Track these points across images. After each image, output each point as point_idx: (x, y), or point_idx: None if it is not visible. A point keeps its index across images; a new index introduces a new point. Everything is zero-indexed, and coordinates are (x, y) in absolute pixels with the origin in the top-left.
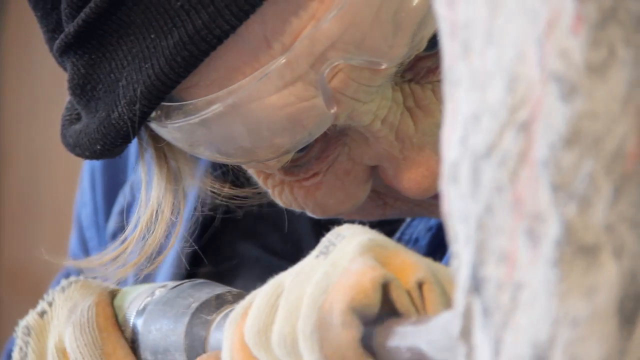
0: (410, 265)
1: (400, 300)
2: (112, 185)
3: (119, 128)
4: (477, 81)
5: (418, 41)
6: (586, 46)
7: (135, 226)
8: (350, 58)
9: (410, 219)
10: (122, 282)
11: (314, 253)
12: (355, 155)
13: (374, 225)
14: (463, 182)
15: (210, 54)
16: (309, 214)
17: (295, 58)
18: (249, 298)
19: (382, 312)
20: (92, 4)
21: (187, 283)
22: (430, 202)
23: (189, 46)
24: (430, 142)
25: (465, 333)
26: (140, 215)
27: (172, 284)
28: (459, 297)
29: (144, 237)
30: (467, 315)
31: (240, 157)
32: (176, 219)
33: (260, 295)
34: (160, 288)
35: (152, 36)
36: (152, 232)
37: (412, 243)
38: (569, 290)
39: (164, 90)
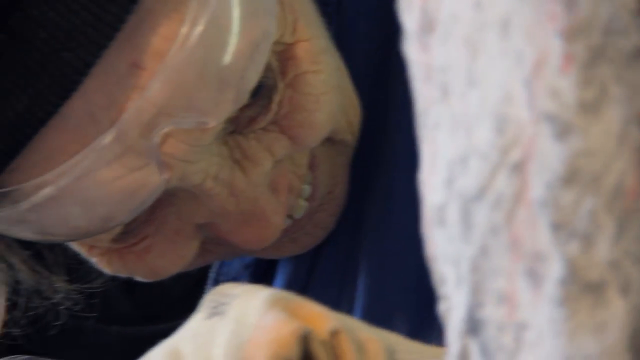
0: (319, 315)
1: (319, 351)
2: None
3: None
4: (460, 124)
5: (243, 94)
6: (577, 85)
7: None
8: (179, 122)
9: None
10: None
11: (201, 315)
12: (184, 215)
13: None
14: (452, 225)
15: (33, 137)
16: (139, 279)
17: (124, 130)
18: None
19: None
20: None
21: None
22: None
23: (11, 132)
24: (263, 192)
25: None
26: None
27: None
28: (453, 339)
29: None
30: (464, 357)
31: (71, 236)
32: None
33: None
34: None
35: None
36: None
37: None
38: (577, 329)
39: None
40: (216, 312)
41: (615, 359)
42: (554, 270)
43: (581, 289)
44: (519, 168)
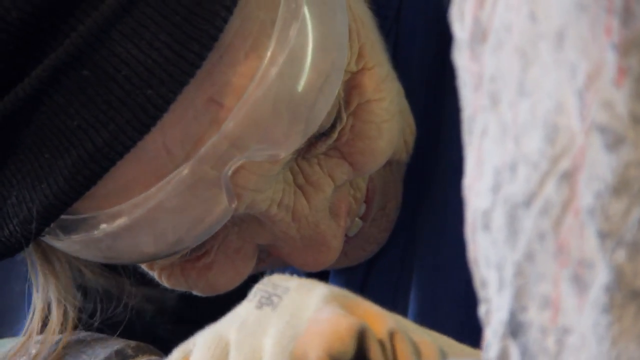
0: (376, 315)
1: (374, 349)
2: None
3: (9, 245)
4: (509, 132)
5: (313, 126)
6: (630, 98)
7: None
8: (252, 155)
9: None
10: None
11: (250, 304)
12: (247, 235)
13: None
14: (497, 230)
15: (111, 169)
16: (197, 293)
17: (199, 164)
18: (177, 355)
19: None
20: None
21: (73, 337)
22: None
23: (90, 164)
24: (323, 217)
25: None
26: (35, 310)
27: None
28: (493, 341)
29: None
30: (503, 359)
31: (139, 260)
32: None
33: (200, 350)
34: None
35: (46, 156)
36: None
37: None
38: (621, 335)
39: (62, 209)
40: (268, 302)
41: None
42: (600, 277)
43: (626, 296)
44: (568, 177)
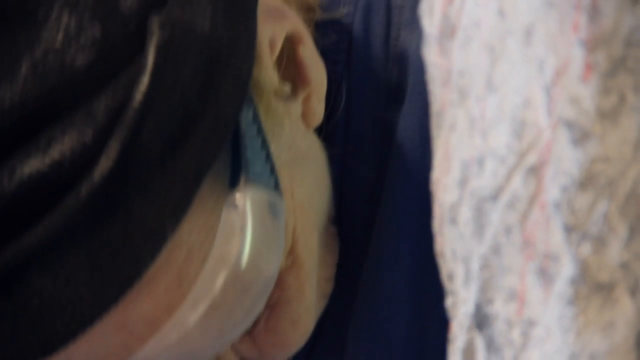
0: None
1: None
2: None
3: None
4: (477, 127)
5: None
6: (597, 94)
7: None
8: None
9: None
10: None
11: None
12: None
13: None
14: (464, 224)
15: None
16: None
17: None
18: None
19: None
20: None
21: None
22: None
23: None
24: None
25: None
26: None
27: None
28: (458, 333)
29: None
30: (469, 351)
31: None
32: None
33: None
34: None
35: None
36: None
37: None
38: (586, 326)
39: None
40: None
41: (622, 357)
42: (566, 270)
43: (591, 288)
44: (535, 171)
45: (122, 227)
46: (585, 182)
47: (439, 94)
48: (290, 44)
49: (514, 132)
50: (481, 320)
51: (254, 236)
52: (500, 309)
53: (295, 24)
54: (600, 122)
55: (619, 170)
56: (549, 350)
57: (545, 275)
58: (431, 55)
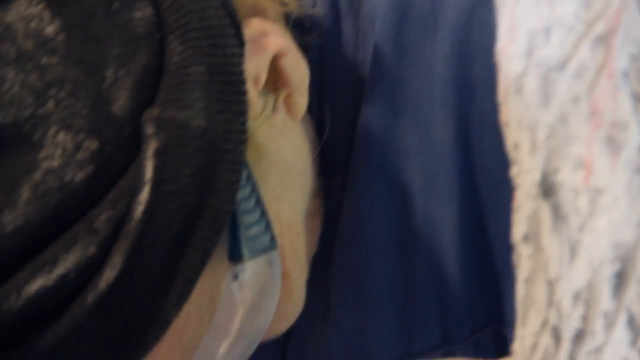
0: None
1: None
2: None
3: None
4: None
5: None
6: None
7: None
8: None
9: None
10: None
11: None
12: None
13: None
14: (530, 93)
15: None
16: None
17: None
18: None
19: None
20: None
21: None
22: None
23: None
24: None
25: (532, 236)
26: None
27: None
28: (524, 202)
29: None
30: (534, 219)
31: None
32: None
33: None
34: None
35: None
36: None
37: None
38: None
39: None
40: None
41: None
42: (634, 138)
43: None
44: (603, 40)
45: (127, 321)
46: None
47: None
48: (273, 59)
49: (582, 1)
50: (547, 189)
51: (254, 300)
52: (567, 177)
53: (277, 43)
54: None
55: None
56: (616, 217)
57: (613, 144)
58: None
